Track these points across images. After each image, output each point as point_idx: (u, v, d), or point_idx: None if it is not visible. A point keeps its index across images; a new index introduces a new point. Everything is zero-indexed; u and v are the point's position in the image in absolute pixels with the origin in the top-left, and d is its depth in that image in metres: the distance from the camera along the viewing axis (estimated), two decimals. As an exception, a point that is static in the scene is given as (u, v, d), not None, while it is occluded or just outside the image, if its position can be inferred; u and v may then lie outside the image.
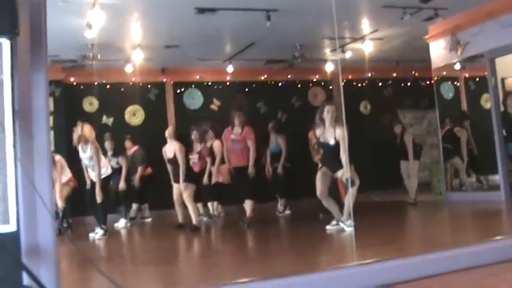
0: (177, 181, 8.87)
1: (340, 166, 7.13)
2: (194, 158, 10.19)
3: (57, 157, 9.37)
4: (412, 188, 10.29)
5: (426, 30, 10.70)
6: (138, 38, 10.16)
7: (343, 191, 7.81)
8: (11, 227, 3.51)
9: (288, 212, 10.86)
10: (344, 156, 7.04)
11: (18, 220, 3.52)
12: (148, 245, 8.54)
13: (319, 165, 7.61)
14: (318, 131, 7.45)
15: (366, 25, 10.53)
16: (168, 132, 9.10)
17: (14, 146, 3.54)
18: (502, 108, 9.77)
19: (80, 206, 9.97)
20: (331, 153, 7.26)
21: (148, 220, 11.24)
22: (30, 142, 3.63)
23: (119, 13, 8.56)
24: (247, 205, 8.77)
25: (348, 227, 6.98)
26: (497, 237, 5.22)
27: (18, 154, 3.54)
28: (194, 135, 10.39)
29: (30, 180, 3.54)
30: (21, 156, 3.54)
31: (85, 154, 8.53)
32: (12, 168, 3.53)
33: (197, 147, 10.42)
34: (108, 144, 10.50)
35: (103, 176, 8.55)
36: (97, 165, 8.44)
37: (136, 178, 10.97)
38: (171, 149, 8.92)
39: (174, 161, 8.88)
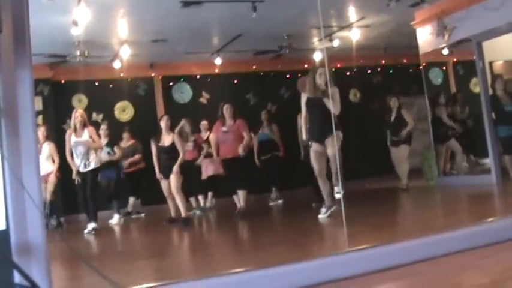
0: (166, 175, 8.76)
1: (329, 130, 6.81)
2: (189, 146, 10.18)
3: (51, 144, 9.49)
4: (403, 174, 10.31)
5: (413, 16, 10.70)
6: (125, 33, 10.12)
7: None
8: (0, 226, 3.51)
9: (280, 201, 10.88)
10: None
11: (8, 218, 3.52)
12: (141, 240, 8.53)
13: (309, 142, 7.49)
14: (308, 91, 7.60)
15: (352, 13, 10.52)
16: (166, 123, 8.97)
17: (1, 144, 3.53)
18: (490, 92, 9.78)
19: (72, 203, 9.94)
20: (321, 112, 7.22)
21: (142, 215, 11.22)
22: (17, 140, 3.60)
23: (104, 9, 8.53)
24: (240, 195, 8.77)
25: (336, 194, 6.88)
26: (487, 220, 5.26)
27: (5, 153, 3.53)
28: (185, 125, 10.37)
29: (18, 179, 3.53)
30: (8, 155, 3.53)
31: (81, 139, 8.46)
32: (-1, 167, 3.53)
33: (191, 136, 10.43)
34: (103, 131, 10.42)
35: (91, 168, 8.51)
36: (98, 142, 8.64)
37: (133, 160, 10.88)
38: (169, 138, 8.85)
39: (170, 150, 8.77)
